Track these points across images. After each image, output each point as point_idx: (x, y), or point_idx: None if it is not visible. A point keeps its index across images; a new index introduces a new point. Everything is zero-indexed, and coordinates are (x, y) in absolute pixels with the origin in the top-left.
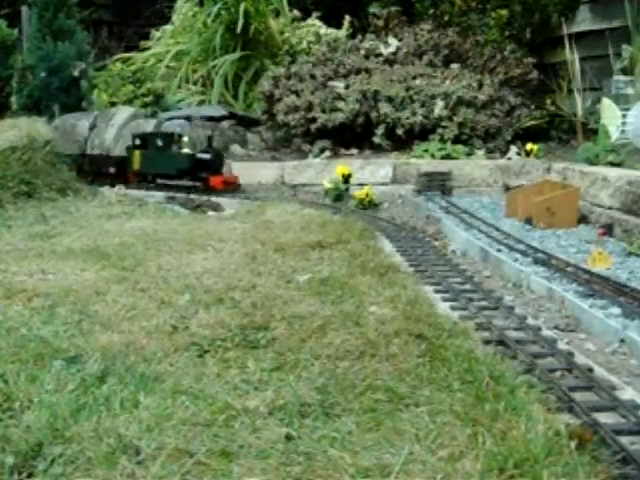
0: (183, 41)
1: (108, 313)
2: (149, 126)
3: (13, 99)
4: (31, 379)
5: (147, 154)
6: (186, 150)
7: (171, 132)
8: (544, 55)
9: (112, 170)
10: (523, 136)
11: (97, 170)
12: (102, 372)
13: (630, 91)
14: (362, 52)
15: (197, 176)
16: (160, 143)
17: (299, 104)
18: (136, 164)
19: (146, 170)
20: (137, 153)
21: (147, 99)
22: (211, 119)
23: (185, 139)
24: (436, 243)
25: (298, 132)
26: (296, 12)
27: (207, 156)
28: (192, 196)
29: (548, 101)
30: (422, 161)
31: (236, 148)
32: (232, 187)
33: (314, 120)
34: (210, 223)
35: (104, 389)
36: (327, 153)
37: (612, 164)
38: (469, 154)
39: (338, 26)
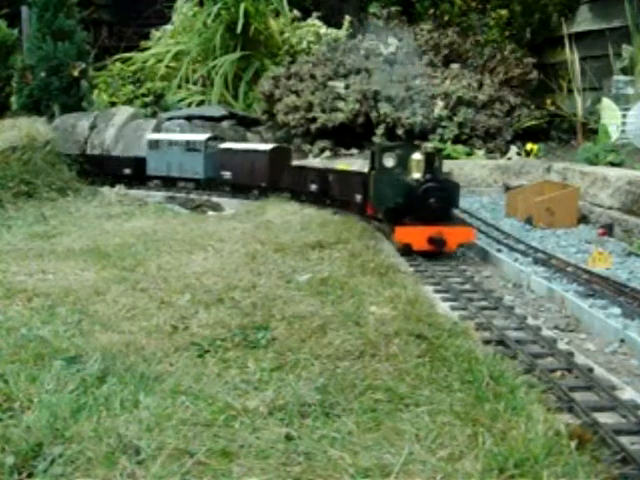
0: (183, 41)
1: (108, 313)
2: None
3: (13, 99)
4: (31, 379)
5: (378, 178)
6: (416, 175)
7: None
8: (544, 55)
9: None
10: (523, 136)
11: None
12: (102, 372)
13: (630, 91)
14: (362, 52)
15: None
16: (392, 162)
17: (299, 104)
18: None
19: (377, 203)
20: (372, 175)
21: (147, 99)
22: (211, 119)
23: (417, 156)
24: None
25: (298, 132)
26: (296, 12)
27: (435, 184)
28: (192, 196)
29: (548, 101)
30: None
31: (160, 145)
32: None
33: (314, 120)
34: (210, 223)
35: (104, 389)
36: (327, 153)
37: (612, 164)
38: (469, 154)
39: (338, 26)
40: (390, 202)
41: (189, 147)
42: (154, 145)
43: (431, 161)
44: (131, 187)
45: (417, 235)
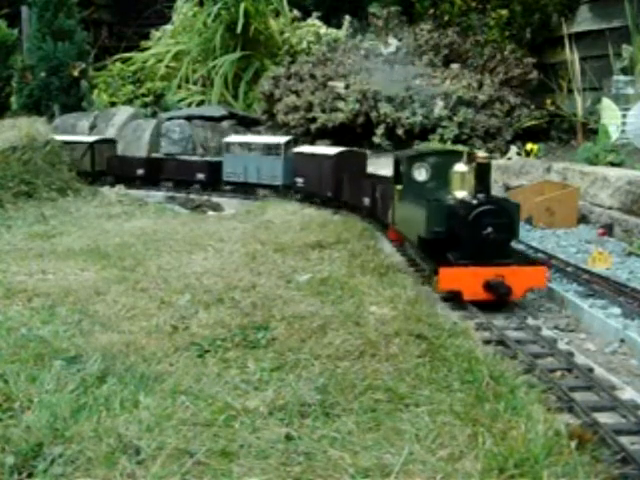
0: (183, 41)
1: (108, 313)
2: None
3: (13, 99)
4: (31, 379)
5: (407, 196)
6: (459, 193)
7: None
8: (544, 55)
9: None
10: (523, 136)
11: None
12: (102, 372)
13: (630, 91)
14: (362, 52)
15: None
16: (425, 174)
17: (299, 104)
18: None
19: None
20: (398, 191)
21: (147, 99)
22: (211, 119)
23: (461, 168)
24: None
25: (298, 132)
26: (296, 12)
27: (492, 207)
28: (192, 196)
29: (548, 101)
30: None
31: (236, 148)
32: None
33: (314, 120)
34: (210, 223)
35: (104, 389)
36: None
37: (612, 164)
38: None
39: (338, 26)
40: (426, 230)
41: (268, 151)
42: (231, 148)
43: (484, 174)
44: (205, 193)
45: (469, 279)
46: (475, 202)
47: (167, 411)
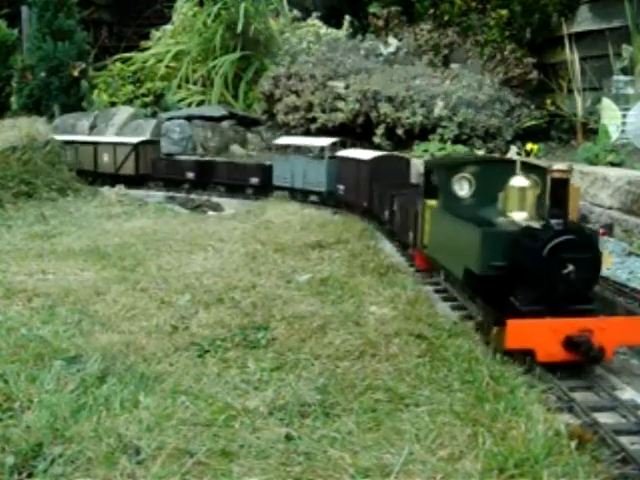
0: (183, 41)
1: (108, 313)
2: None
3: (13, 99)
4: (31, 379)
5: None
6: (520, 215)
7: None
8: (544, 55)
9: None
10: (523, 136)
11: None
12: (102, 372)
13: (630, 91)
14: (362, 52)
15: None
16: (469, 188)
17: (299, 104)
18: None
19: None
20: (430, 208)
21: (147, 99)
22: (211, 119)
23: (520, 182)
24: None
25: (298, 132)
26: (296, 12)
27: (573, 238)
28: (192, 196)
29: (548, 101)
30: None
31: (236, 148)
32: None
33: (314, 120)
34: (210, 223)
35: (104, 389)
36: None
37: (612, 164)
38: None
39: (338, 26)
40: (480, 264)
41: (312, 154)
42: (281, 151)
43: (560, 193)
44: (257, 199)
45: (545, 335)
46: (549, 230)
47: (167, 411)
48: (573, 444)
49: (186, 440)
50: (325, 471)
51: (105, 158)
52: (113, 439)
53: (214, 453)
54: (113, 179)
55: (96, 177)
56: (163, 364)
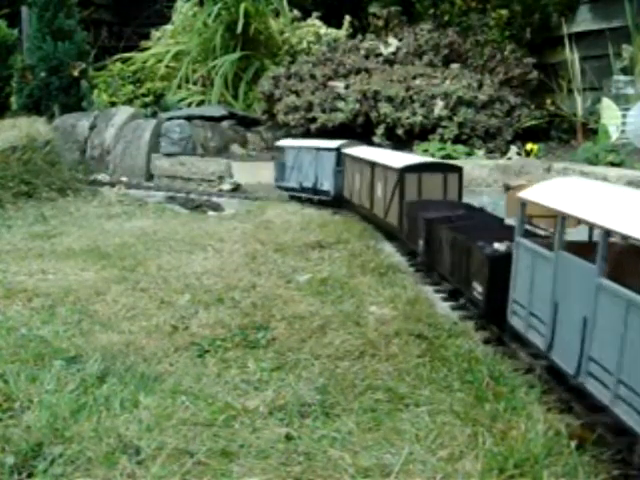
0: (183, 41)
1: (108, 313)
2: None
3: (13, 99)
4: (31, 379)
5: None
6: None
7: None
8: (544, 55)
9: None
10: (523, 136)
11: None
12: (102, 372)
13: (630, 91)
14: (362, 52)
15: None
16: None
17: (299, 104)
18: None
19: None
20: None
21: (147, 99)
22: (211, 119)
23: None
24: None
25: (298, 132)
26: (296, 12)
27: None
28: (192, 196)
29: (548, 101)
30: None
31: (236, 148)
32: None
33: (314, 120)
34: (210, 223)
35: (104, 389)
36: None
37: (612, 164)
38: (469, 154)
39: (338, 26)
40: None
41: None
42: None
43: None
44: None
45: None
46: None
47: (167, 411)
48: (573, 444)
49: (186, 440)
50: (325, 471)
51: None
52: (113, 439)
53: (214, 453)
54: None
55: None
56: (163, 364)
